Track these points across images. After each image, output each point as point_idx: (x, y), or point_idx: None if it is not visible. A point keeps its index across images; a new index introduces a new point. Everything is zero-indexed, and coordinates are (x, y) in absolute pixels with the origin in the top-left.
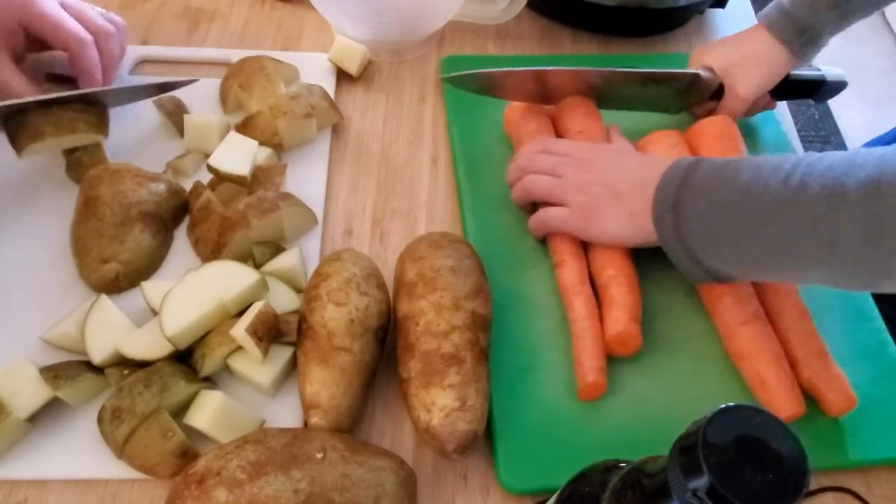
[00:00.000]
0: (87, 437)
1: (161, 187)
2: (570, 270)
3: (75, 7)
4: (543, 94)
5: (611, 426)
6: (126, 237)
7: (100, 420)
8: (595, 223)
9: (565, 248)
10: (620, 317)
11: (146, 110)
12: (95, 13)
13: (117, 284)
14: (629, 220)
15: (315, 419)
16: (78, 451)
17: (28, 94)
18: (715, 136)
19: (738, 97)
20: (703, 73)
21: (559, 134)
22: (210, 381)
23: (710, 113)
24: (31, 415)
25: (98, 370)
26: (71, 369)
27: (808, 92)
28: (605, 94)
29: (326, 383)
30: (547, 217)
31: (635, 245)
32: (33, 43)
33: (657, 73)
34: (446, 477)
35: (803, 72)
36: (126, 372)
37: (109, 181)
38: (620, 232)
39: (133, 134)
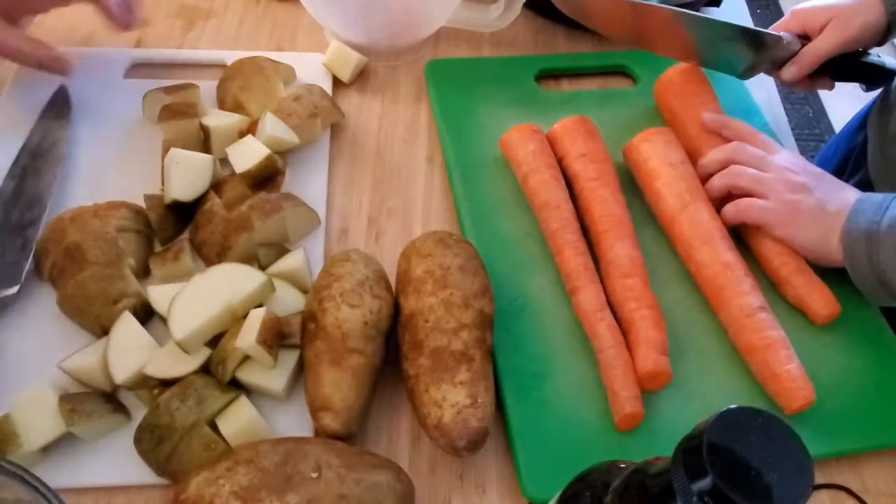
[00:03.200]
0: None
1: (123, 211)
2: (589, 296)
3: None
4: (638, 31)
5: (632, 429)
6: (122, 270)
7: (137, 441)
8: (794, 226)
9: (579, 274)
10: (650, 354)
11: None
12: None
13: (139, 318)
14: (825, 240)
15: (327, 420)
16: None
17: (26, 48)
18: (681, 82)
19: (828, 42)
20: (785, 36)
21: (559, 157)
22: (239, 387)
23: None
24: (42, 447)
25: (117, 405)
26: (89, 403)
27: (869, 76)
28: (697, 45)
29: (339, 385)
30: (748, 206)
31: (811, 259)
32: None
33: (751, 29)
34: (442, 475)
35: (873, 59)
36: (156, 391)
37: (77, 228)
38: (812, 247)
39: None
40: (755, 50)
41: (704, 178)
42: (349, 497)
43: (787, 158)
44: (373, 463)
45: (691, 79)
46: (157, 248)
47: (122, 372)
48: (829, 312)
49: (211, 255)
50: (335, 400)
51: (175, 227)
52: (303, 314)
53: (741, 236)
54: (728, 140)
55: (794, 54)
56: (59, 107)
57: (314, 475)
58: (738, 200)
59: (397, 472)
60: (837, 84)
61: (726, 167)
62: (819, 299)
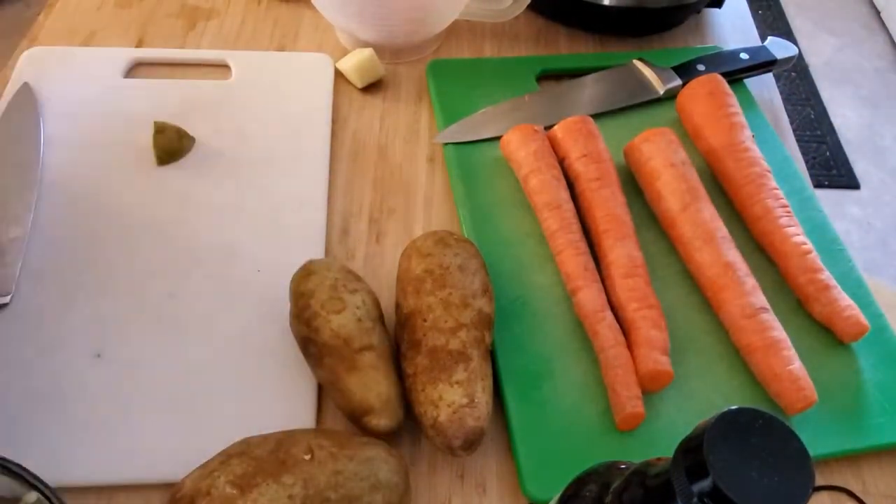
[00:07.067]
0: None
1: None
2: (589, 296)
3: None
4: None
5: (632, 429)
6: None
7: None
8: None
9: (580, 274)
10: (651, 354)
11: None
12: None
13: None
14: None
15: (374, 421)
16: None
17: None
18: (705, 95)
19: None
20: None
21: (560, 157)
22: None
23: None
24: None
25: None
26: None
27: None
28: None
29: (368, 385)
30: None
31: None
32: None
33: None
34: (442, 475)
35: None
36: None
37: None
38: None
39: None
40: None
41: None
42: (344, 472)
43: None
44: (362, 441)
45: (717, 91)
46: None
47: None
48: (858, 331)
49: None
50: (372, 399)
51: None
52: (299, 343)
53: (754, 240)
54: (753, 151)
55: None
56: (23, 110)
57: (307, 457)
58: None
59: (388, 448)
60: (839, 86)
61: None
62: (849, 318)
